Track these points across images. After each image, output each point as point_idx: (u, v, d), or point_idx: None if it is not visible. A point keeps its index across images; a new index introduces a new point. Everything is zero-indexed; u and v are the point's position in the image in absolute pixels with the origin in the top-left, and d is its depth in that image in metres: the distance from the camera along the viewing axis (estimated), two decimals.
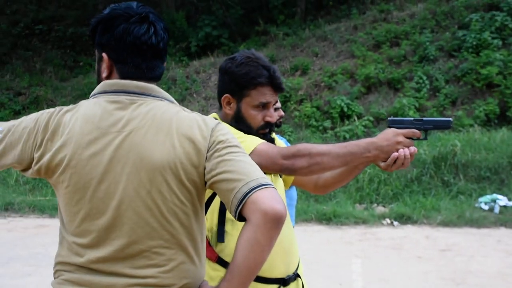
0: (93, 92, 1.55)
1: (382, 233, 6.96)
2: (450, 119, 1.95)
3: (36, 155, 1.48)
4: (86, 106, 1.49)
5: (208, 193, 1.72)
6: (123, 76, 1.52)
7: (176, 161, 1.42)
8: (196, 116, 1.50)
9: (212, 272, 1.87)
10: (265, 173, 1.82)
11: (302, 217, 7.46)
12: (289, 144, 2.26)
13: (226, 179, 1.39)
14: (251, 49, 2.07)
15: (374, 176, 8.49)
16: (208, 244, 1.90)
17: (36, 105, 13.00)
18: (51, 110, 1.53)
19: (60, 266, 1.48)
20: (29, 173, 1.52)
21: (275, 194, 1.35)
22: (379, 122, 10.76)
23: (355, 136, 10.18)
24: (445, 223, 7.26)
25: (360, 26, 13.18)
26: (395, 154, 1.84)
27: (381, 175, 8.47)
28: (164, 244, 1.43)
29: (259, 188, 1.34)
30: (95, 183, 1.42)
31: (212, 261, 1.90)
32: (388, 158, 1.85)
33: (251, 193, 1.34)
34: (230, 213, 1.40)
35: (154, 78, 1.55)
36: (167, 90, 12.01)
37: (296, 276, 2.03)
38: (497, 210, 7.46)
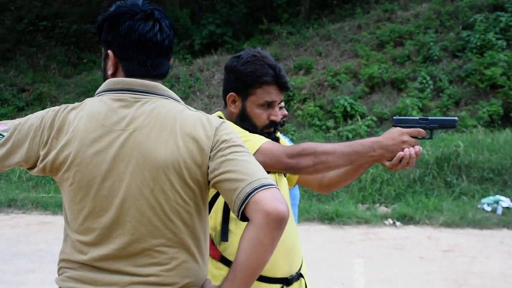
0: (98, 90, 1.54)
1: (384, 233, 6.94)
2: (456, 118, 1.94)
3: (42, 153, 1.48)
4: (91, 104, 1.49)
5: (212, 192, 1.72)
6: (128, 74, 1.52)
7: (180, 160, 1.41)
8: (201, 115, 1.50)
9: (215, 271, 1.87)
10: (269, 172, 1.82)
11: (305, 216, 7.45)
12: (292, 143, 2.26)
13: (229, 179, 1.39)
14: (257, 48, 2.06)
15: (376, 176, 8.48)
16: (212, 242, 1.90)
17: (39, 101, 13.00)
18: (57, 108, 1.53)
19: (64, 263, 1.49)
20: (34, 171, 1.52)
21: (278, 194, 1.35)
22: (382, 122, 10.74)
23: (358, 135, 10.15)
24: (448, 224, 7.24)
25: (364, 26, 13.14)
26: (401, 153, 1.84)
27: (383, 175, 8.45)
28: (166, 242, 1.42)
29: (262, 189, 1.34)
30: (98, 181, 1.42)
31: (216, 259, 1.90)
32: (393, 158, 1.84)
33: (253, 193, 1.33)
34: (233, 213, 1.40)
35: (159, 75, 1.55)
36: (171, 88, 11.99)
37: (299, 276, 2.02)
38: (499, 211, 7.44)
